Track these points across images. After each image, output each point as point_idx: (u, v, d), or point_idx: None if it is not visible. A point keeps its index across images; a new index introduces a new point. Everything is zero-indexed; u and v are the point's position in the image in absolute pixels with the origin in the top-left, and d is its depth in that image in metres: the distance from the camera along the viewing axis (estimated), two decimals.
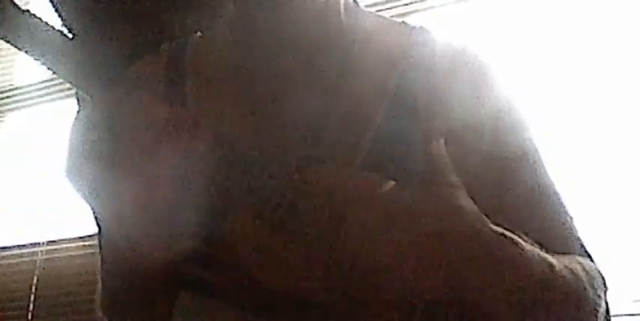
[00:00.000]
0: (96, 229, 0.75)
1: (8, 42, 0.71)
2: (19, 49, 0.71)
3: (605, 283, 0.71)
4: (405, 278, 0.58)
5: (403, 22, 0.87)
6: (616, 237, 1.73)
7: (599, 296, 0.67)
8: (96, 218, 0.70)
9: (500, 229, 0.60)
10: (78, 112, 0.67)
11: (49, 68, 0.71)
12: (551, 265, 0.63)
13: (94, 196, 0.65)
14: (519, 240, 0.61)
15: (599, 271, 0.72)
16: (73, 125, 0.66)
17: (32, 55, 0.71)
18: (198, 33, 0.91)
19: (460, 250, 0.58)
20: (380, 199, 0.60)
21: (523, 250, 0.61)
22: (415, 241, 0.58)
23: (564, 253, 0.70)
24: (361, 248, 0.59)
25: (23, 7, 0.71)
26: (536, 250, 0.63)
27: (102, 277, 0.77)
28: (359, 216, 0.60)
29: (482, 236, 0.59)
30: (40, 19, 0.71)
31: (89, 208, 0.69)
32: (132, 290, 0.72)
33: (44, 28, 0.71)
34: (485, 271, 0.58)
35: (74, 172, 0.65)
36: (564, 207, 0.78)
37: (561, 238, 0.75)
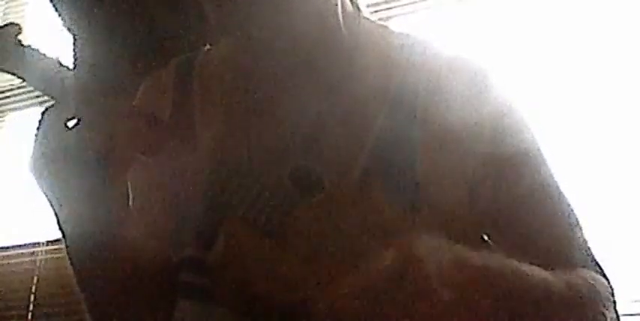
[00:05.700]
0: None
1: (7, 72, 0.73)
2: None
3: (613, 295, 0.71)
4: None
5: (385, 26, 0.87)
6: (616, 237, 1.73)
7: (601, 313, 0.67)
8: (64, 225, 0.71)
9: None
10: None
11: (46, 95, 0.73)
12: (547, 283, 0.63)
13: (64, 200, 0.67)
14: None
15: (604, 284, 0.71)
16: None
17: (31, 84, 0.73)
18: (207, 46, 0.90)
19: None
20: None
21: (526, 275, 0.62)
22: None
23: (565, 261, 0.70)
24: None
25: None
26: (535, 270, 0.63)
27: (85, 287, 0.76)
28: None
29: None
30: (37, 50, 0.73)
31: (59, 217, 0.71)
32: (130, 297, 0.73)
33: (42, 59, 0.72)
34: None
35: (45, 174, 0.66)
36: (569, 209, 0.77)
37: (564, 245, 0.74)
